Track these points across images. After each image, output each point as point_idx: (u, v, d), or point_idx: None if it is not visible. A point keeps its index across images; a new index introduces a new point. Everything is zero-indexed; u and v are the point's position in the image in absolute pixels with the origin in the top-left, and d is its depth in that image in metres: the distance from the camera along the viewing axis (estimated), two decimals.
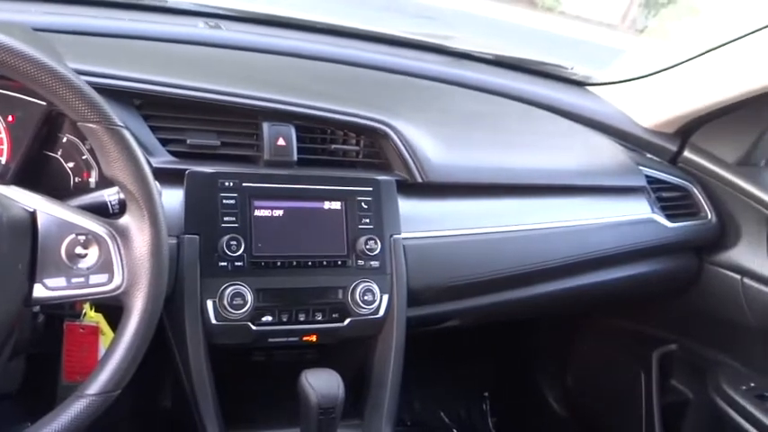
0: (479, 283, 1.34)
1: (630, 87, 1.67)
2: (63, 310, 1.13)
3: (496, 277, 1.35)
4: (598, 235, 1.45)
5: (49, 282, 0.89)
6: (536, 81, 1.69)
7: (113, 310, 1.07)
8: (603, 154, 1.55)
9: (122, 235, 0.91)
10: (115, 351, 0.90)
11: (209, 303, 1.09)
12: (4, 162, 1.09)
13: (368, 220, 1.19)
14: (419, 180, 1.26)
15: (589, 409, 1.80)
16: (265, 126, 1.18)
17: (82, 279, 0.90)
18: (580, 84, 1.75)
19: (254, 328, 1.11)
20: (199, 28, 1.45)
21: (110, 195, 1.05)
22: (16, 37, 0.83)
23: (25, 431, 0.89)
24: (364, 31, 1.68)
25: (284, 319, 1.13)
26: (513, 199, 1.39)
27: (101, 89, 0.90)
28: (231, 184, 1.12)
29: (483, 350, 1.83)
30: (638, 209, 1.52)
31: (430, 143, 1.29)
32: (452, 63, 1.67)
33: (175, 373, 1.14)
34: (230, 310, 1.09)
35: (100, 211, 0.98)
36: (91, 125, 0.87)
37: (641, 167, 1.55)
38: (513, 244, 1.37)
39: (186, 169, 1.11)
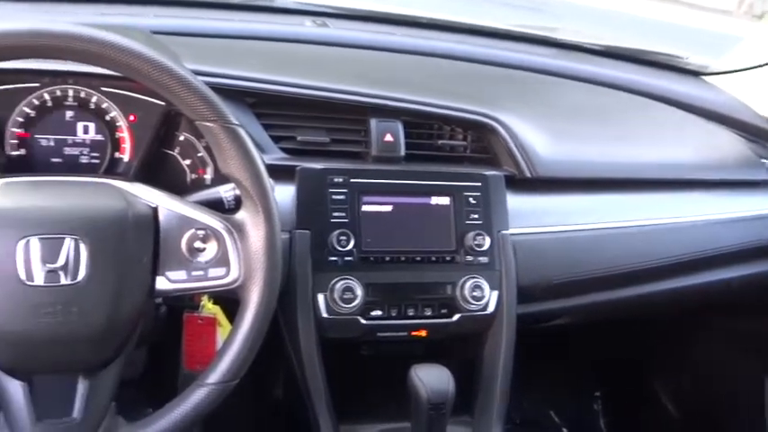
0: (589, 281, 1.31)
1: (750, 76, 1.59)
2: (183, 302, 1.18)
3: (607, 275, 1.32)
4: (716, 231, 1.39)
5: (171, 274, 0.93)
6: (649, 72, 1.64)
7: (230, 302, 1.12)
8: (722, 146, 1.49)
9: (239, 230, 0.94)
10: (233, 342, 0.93)
11: (321, 297, 1.11)
12: (126, 160, 1.14)
13: (476, 216, 1.18)
14: (527, 175, 1.25)
15: (705, 413, 1.73)
16: (373, 122, 1.20)
17: (201, 272, 0.94)
18: (696, 73, 1.68)
19: (363, 322, 1.13)
20: (306, 27, 1.48)
21: (225, 192, 1.09)
22: (137, 40, 0.87)
23: (152, 416, 0.94)
24: (469, 25, 1.67)
25: (393, 314, 1.14)
26: (625, 194, 1.35)
27: (215, 89, 0.93)
28: (340, 180, 1.14)
29: (594, 349, 1.79)
30: (761, 204, 1.44)
31: (538, 137, 1.27)
32: (560, 55, 1.64)
33: (288, 365, 1.17)
34: (341, 304, 1.11)
35: (216, 206, 1.02)
36: (208, 124, 0.91)
37: (763, 160, 1.48)
38: (625, 240, 1.33)
39: (297, 166, 1.14)
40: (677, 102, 1.55)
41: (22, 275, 0.85)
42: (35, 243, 0.85)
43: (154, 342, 1.13)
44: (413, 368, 1.07)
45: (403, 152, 1.20)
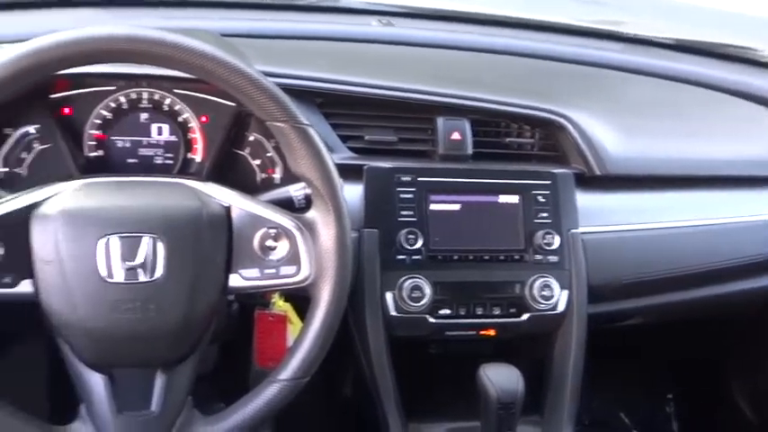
0: (661, 281, 1.29)
1: None
2: (254, 300, 1.20)
3: (680, 275, 1.29)
4: None
5: (244, 272, 0.95)
6: (722, 65, 1.59)
7: (300, 300, 1.14)
8: None
9: (309, 229, 0.95)
10: (304, 339, 0.95)
11: (389, 296, 1.12)
12: (198, 160, 1.17)
13: (545, 215, 1.17)
14: (597, 173, 1.23)
15: None
16: (440, 121, 1.20)
17: (273, 270, 0.95)
18: None
19: (432, 320, 1.13)
20: (372, 26, 1.49)
21: (296, 191, 1.11)
22: (208, 42, 0.90)
23: (226, 410, 0.96)
24: (535, 21, 1.65)
25: (462, 313, 1.14)
26: (697, 191, 1.32)
27: (284, 89, 0.95)
28: (408, 178, 1.15)
29: (668, 348, 1.75)
30: None
31: (608, 134, 1.25)
32: (628, 49, 1.61)
33: (357, 363, 1.19)
34: (409, 302, 1.11)
35: (286, 205, 1.03)
36: (279, 124, 0.92)
37: None
38: (698, 239, 1.30)
39: (365, 165, 1.15)
40: (753, 96, 1.50)
41: (103, 273, 0.88)
42: (115, 241, 0.88)
43: (225, 339, 1.15)
44: (482, 367, 1.07)
45: (470, 150, 1.20)
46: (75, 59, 0.86)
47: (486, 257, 1.16)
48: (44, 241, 0.88)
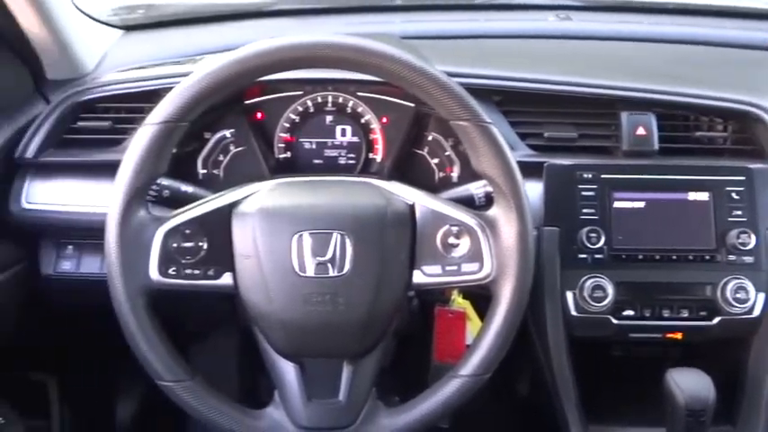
0: None
1: None
2: (434, 296, 1.23)
3: None
4: None
5: (427, 269, 0.98)
6: None
7: (479, 297, 1.15)
8: None
9: (491, 226, 0.96)
10: (485, 336, 0.96)
11: (569, 295, 1.11)
12: (379, 160, 1.22)
13: (740, 213, 1.11)
14: None
15: None
16: (624, 116, 1.17)
17: (455, 267, 0.97)
18: None
19: (614, 321, 1.10)
20: (550, 21, 1.48)
21: (476, 189, 1.13)
22: (391, 45, 0.93)
23: (408, 403, 0.99)
24: (719, 7, 1.57)
25: (646, 315, 1.10)
26: None
27: (464, 88, 0.96)
28: (590, 175, 1.13)
29: None
30: None
31: None
32: None
33: (535, 362, 1.18)
34: (590, 302, 1.09)
35: (467, 203, 1.06)
36: (462, 123, 0.94)
37: None
38: None
39: (545, 162, 1.14)
40: None
41: (296, 267, 0.94)
42: (307, 237, 0.94)
43: (405, 333, 1.18)
44: (669, 372, 1.03)
45: (656, 146, 1.16)
46: (278, 66, 0.92)
47: (674, 257, 1.11)
48: (243, 237, 0.96)
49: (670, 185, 1.13)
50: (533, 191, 1.12)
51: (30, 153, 1.17)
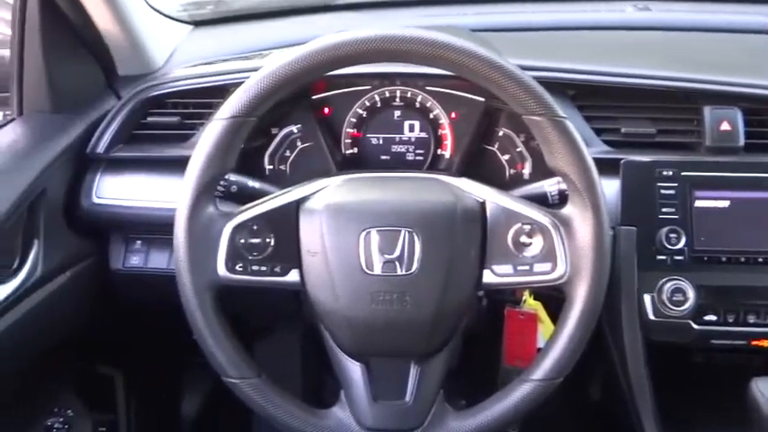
0: None
1: None
2: (504, 297, 1.21)
3: None
4: None
5: (498, 268, 0.96)
6: None
7: (551, 299, 1.13)
8: None
9: (565, 225, 0.94)
10: (558, 339, 0.94)
11: (647, 298, 1.07)
12: (448, 156, 1.21)
13: None
14: None
15: None
16: (707, 110, 1.13)
17: (527, 267, 0.96)
18: None
19: (695, 327, 1.06)
20: (627, 12, 1.44)
21: (550, 186, 1.11)
22: (462, 38, 0.92)
23: (478, 407, 0.98)
24: None
25: (730, 320, 1.06)
26: None
27: (537, 81, 0.94)
28: (670, 173, 1.09)
29: None
30: None
31: None
32: None
33: (609, 366, 1.15)
34: (669, 306, 1.06)
35: (540, 201, 1.03)
36: (536, 117, 0.92)
37: None
38: None
39: (622, 159, 1.11)
40: None
41: (363, 264, 0.94)
42: (374, 235, 0.94)
43: (473, 335, 1.17)
44: (753, 381, 0.99)
45: (742, 142, 1.12)
46: (347, 61, 0.92)
47: (760, 260, 1.07)
48: (310, 234, 0.96)
49: (757, 183, 1.08)
50: (609, 189, 1.08)
51: (101, 148, 1.20)
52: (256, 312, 1.35)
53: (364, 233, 0.94)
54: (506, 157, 1.19)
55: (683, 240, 1.07)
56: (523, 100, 0.91)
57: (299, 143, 1.21)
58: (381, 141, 1.22)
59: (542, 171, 1.06)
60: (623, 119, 1.17)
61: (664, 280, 1.07)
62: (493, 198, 0.98)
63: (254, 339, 1.48)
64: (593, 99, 1.17)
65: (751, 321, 1.06)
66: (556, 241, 0.94)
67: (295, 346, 1.66)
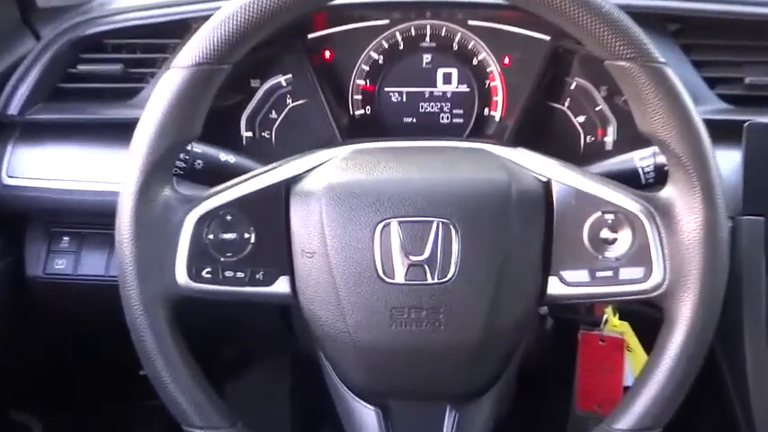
0: None
1: None
2: (578, 314, 1.22)
3: None
4: None
5: (568, 274, 0.97)
6: None
7: (643, 318, 1.13)
8: None
9: (664, 214, 0.94)
10: (654, 373, 0.94)
11: None
12: (498, 118, 1.21)
13: None
14: None
15: None
16: None
17: (609, 273, 0.96)
18: None
19: None
20: None
21: (642, 160, 1.11)
22: None
23: None
24: None
25: None
26: None
27: (626, 13, 0.94)
28: None
29: None
30: None
31: None
32: None
33: (724, 406, 1.16)
34: None
35: (628, 180, 1.04)
36: (622, 63, 0.92)
37: None
38: None
39: (746, 120, 1.11)
40: None
41: (380, 270, 0.94)
42: (395, 228, 0.94)
43: (532, 368, 1.18)
44: None
45: None
46: None
47: None
48: (306, 227, 0.96)
49: None
50: (728, 162, 1.09)
51: (13, 108, 1.22)
52: (232, 336, 1.37)
53: (381, 226, 0.94)
54: (581, 118, 1.20)
55: None
56: (605, 38, 0.91)
57: (289, 101, 1.22)
58: (404, 98, 1.23)
59: (632, 139, 1.07)
60: (748, 64, 1.18)
61: None
62: (562, 176, 0.98)
63: (228, 374, 1.49)
64: (704, 37, 1.18)
65: None
66: (650, 237, 0.94)
67: (283, 382, 1.67)
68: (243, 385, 1.57)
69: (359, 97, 1.22)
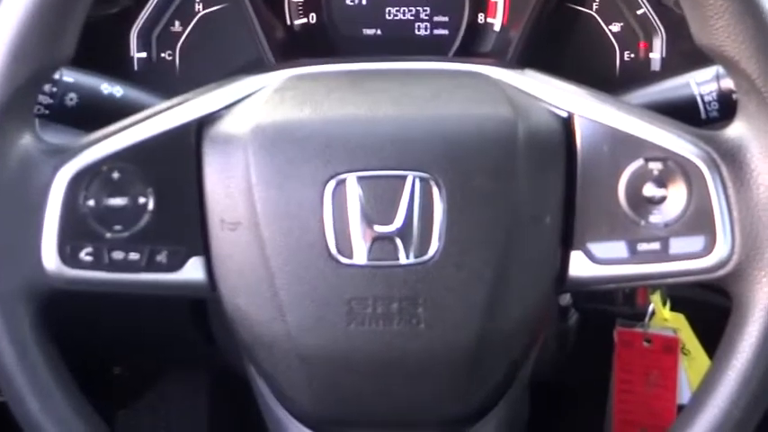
0: None
1: None
2: (613, 305, 1.23)
3: None
4: None
5: (598, 248, 0.97)
6: None
7: (703, 309, 1.15)
8: None
9: (732, 161, 0.95)
10: (721, 383, 0.95)
11: None
12: (498, 27, 1.22)
13: None
14: None
15: None
16: None
17: (656, 245, 0.96)
18: None
19: None
20: None
21: (702, 85, 1.11)
22: None
23: None
24: None
25: None
26: None
27: None
28: None
29: None
30: None
31: None
32: None
33: None
34: None
35: (682, 114, 1.04)
36: None
37: None
38: None
39: None
40: None
41: (332, 247, 0.94)
42: (353, 186, 0.94)
43: (551, 376, 1.19)
44: None
45: None
46: None
47: None
48: (226, 187, 0.97)
49: None
50: None
51: None
52: (124, 345, 1.37)
53: (333, 184, 0.94)
54: (616, 26, 1.21)
55: None
56: None
57: (199, 6, 1.22)
58: (364, 1, 1.23)
59: (686, 55, 1.08)
60: None
61: None
62: (589, 110, 0.99)
63: (121, 397, 1.50)
64: None
65: None
66: (714, 194, 0.95)
67: (198, 409, 1.68)
68: (143, 413, 1.58)
69: (298, 0, 1.23)
